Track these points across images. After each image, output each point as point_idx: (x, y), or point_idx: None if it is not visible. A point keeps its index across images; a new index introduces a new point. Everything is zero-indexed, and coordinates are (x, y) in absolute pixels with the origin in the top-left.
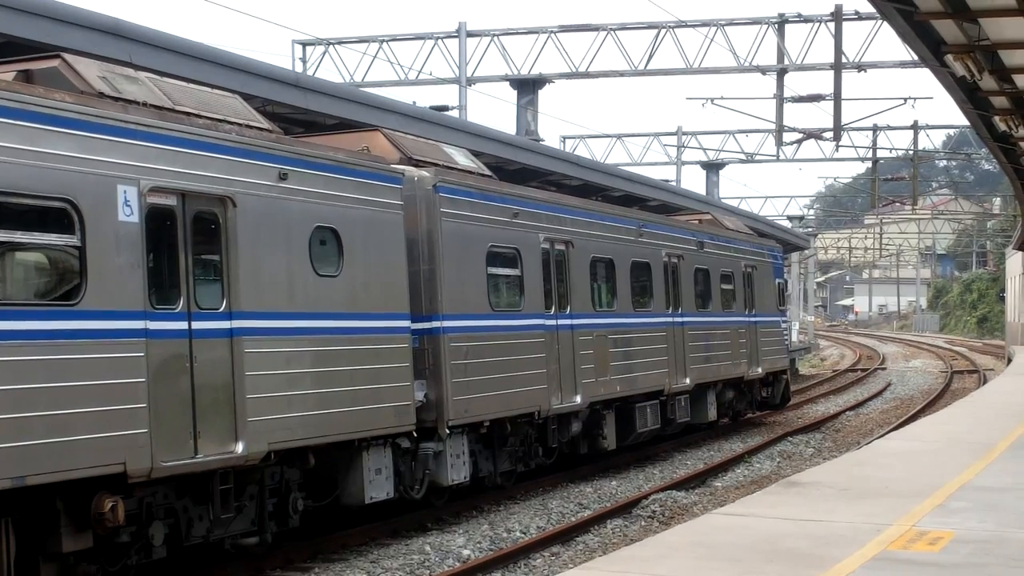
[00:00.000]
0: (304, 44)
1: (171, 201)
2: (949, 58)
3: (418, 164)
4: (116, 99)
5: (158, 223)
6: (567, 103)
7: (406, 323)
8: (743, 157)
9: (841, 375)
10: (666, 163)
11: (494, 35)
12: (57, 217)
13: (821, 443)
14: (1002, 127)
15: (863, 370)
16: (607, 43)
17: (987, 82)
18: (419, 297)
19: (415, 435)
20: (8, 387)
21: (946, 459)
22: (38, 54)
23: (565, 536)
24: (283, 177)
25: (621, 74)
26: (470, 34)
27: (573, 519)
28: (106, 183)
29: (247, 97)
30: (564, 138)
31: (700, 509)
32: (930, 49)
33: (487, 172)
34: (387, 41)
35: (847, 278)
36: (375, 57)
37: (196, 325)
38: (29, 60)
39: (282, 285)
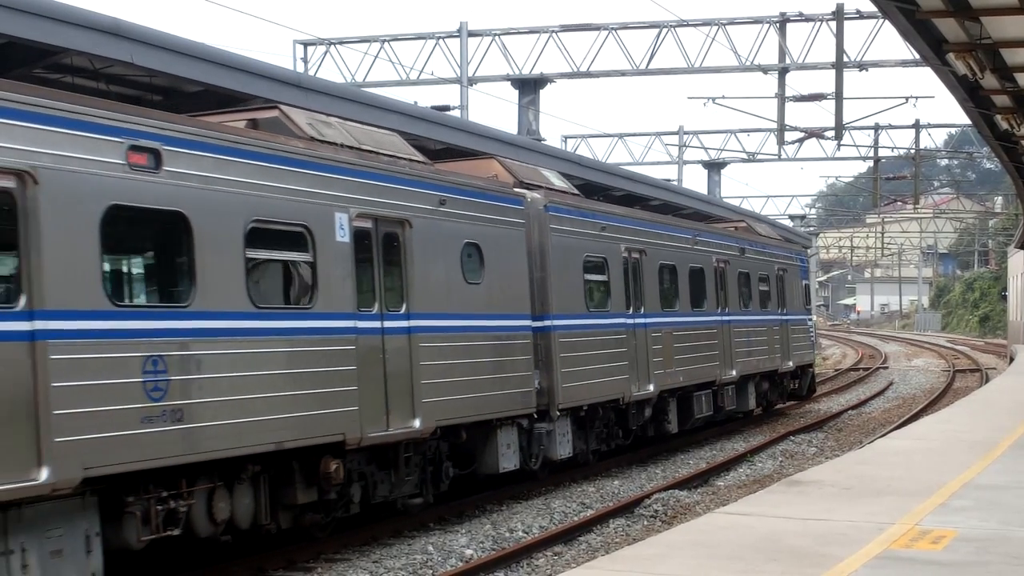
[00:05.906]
0: (305, 44)
1: (368, 224)
2: (951, 56)
3: (528, 187)
4: (322, 142)
5: (360, 242)
6: (568, 103)
7: (528, 322)
8: (744, 156)
9: (843, 374)
10: (668, 162)
11: (495, 35)
12: (297, 239)
13: (823, 442)
14: (1004, 126)
15: (865, 369)
16: (608, 42)
17: (989, 81)
18: (533, 300)
19: (534, 416)
20: (265, 372)
21: (948, 458)
22: (258, 105)
23: (568, 536)
24: (442, 203)
25: (622, 73)
26: (471, 34)
27: (575, 519)
28: (328, 211)
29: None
30: (566, 137)
31: (702, 508)
32: (932, 48)
33: (576, 191)
34: (388, 41)
35: (849, 277)
36: (376, 57)
37: (387, 324)
38: (252, 111)
39: (442, 291)
